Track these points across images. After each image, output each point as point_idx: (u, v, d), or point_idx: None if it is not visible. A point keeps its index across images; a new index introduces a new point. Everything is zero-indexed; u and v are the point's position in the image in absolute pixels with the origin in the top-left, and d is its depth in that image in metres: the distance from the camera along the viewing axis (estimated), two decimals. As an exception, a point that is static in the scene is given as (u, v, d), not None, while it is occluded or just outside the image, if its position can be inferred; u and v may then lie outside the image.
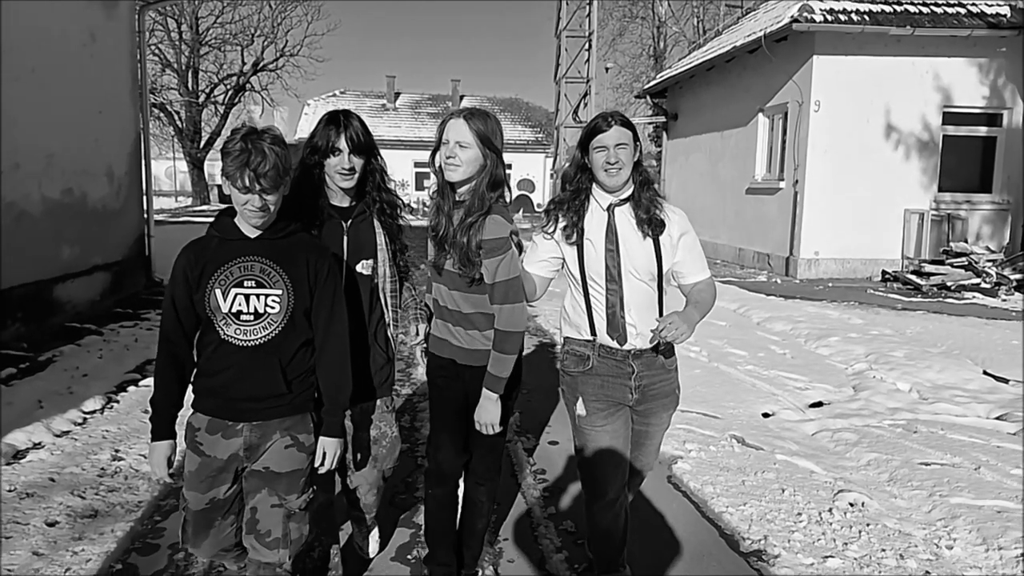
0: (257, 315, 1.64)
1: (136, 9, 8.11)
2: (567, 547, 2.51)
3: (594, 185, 1.95)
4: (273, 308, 1.65)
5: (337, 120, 1.93)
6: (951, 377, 4.70)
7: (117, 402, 4.14)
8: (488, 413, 1.92)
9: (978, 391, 4.46)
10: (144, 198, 8.14)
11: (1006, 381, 4.67)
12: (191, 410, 1.73)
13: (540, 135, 28.50)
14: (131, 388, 4.39)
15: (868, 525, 2.70)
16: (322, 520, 2.05)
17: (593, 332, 1.96)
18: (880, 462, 3.32)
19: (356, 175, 1.95)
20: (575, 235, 1.93)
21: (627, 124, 1.90)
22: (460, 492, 2.17)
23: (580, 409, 1.99)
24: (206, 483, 1.69)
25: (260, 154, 1.55)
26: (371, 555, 2.34)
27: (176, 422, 1.72)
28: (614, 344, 1.94)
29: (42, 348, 5.21)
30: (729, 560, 2.44)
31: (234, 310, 1.64)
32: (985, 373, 4.83)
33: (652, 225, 1.91)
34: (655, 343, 1.94)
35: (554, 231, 1.97)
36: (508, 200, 1.95)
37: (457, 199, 1.93)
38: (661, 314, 1.98)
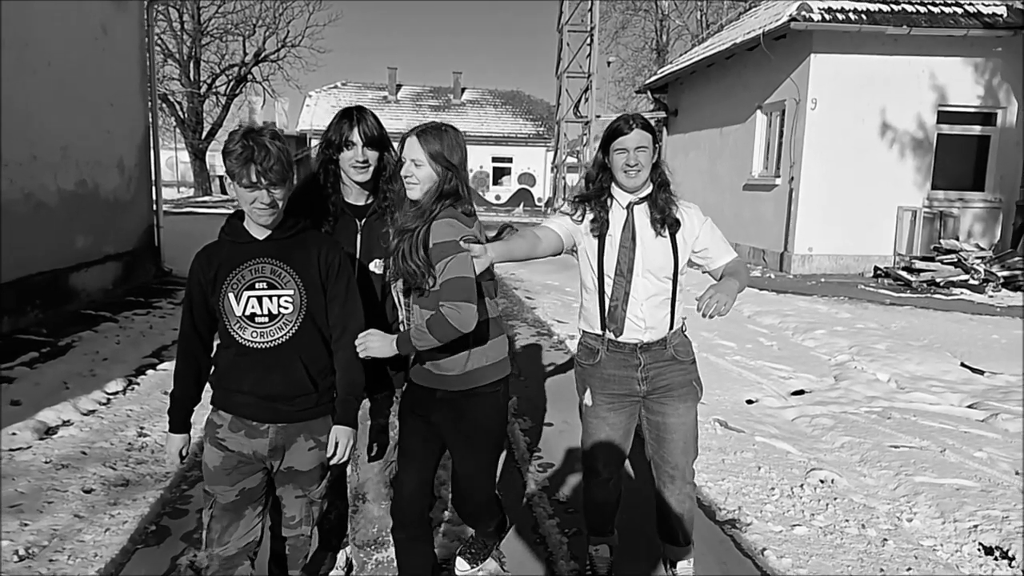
0: (272, 316, 1.66)
1: (145, 3, 8.28)
2: (559, 515, 2.76)
3: (613, 184, 2.02)
4: (287, 308, 1.66)
5: (351, 115, 1.97)
6: (929, 369, 4.93)
7: (138, 384, 4.38)
8: (374, 344, 1.75)
9: (954, 382, 4.69)
10: (153, 189, 8.36)
11: (981, 373, 4.90)
12: (210, 407, 1.76)
13: (541, 129, 28.56)
14: (150, 372, 4.62)
15: (836, 499, 2.94)
16: (336, 486, 2.17)
17: (603, 327, 2.04)
18: (853, 445, 3.56)
19: (370, 168, 1.97)
20: (599, 229, 2.00)
21: (647, 127, 1.96)
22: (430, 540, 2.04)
23: (587, 399, 2.11)
24: (233, 475, 1.70)
25: (263, 148, 1.55)
26: None
27: (192, 416, 1.80)
28: (612, 336, 2.02)
29: (61, 334, 5.44)
30: (705, 527, 2.67)
31: (248, 313, 1.65)
32: (963, 365, 5.06)
33: (668, 224, 1.99)
34: (672, 332, 2.02)
35: (581, 220, 2.03)
36: (471, 210, 1.86)
37: None
38: (674, 310, 2.04)
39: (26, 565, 2.34)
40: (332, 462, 1.74)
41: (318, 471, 1.77)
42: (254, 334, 1.66)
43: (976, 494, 3.00)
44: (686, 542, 2.20)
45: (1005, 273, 8.37)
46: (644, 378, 2.04)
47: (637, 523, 2.62)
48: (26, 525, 2.60)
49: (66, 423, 3.69)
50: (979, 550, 2.60)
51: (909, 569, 2.44)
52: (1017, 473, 3.23)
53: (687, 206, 2.06)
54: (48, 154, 5.95)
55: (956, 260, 8.64)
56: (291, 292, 1.67)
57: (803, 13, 9.02)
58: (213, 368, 1.75)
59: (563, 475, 3.15)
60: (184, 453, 1.80)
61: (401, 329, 1.99)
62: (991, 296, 8.06)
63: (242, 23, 26.48)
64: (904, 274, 8.82)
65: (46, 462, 3.18)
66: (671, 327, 2.05)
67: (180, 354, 1.76)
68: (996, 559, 2.54)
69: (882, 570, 2.42)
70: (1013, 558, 2.53)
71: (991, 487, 3.07)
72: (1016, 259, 8.57)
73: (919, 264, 8.85)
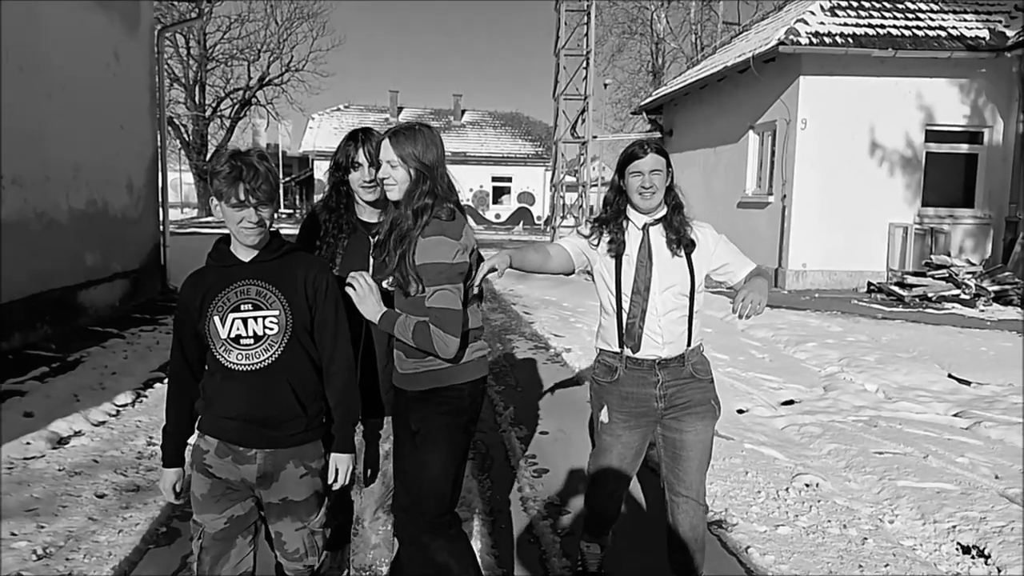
0: (257, 338, 1.65)
1: (155, 31, 8.60)
2: (552, 516, 2.87)
3: (629, 207, 2.10)
4: (272, 329, 1.65)
5: (356, 136, 2.05)
6: (917, 379, 5.05)
7: (146, 397, 4.51)
8: (367, 303, 1.83)
9: (940, 392, 4.81)
10: (160, 209, 8.57)
11: (968, 383, 5.02)
12: (197, 432, 1.75)
13: (540, 149, 29.03)
14: (157, 385, 4.75)
15: (819, 502, 3.05)
16: (339, 499, 2.12)
17: (621, 344, 2.08)
18: (839, 451, 3.67)
19: (379, 187, 2.00)
20: (615, 250, 2.08)
21: (661, 152, 2.06)
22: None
23: (604, 417, 2.13)
24: (222, 503, 1.68)
25: (251, 168, 1.58)
26: None
27: (185, 450, 1.78)
28: (630, 352, 2.06)
29: (70, 349, 5.58)
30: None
31: (232, 335, 1.64)
32: (950, 376, 5.18)
33: (683, 245, 2.07)
34: (690, 349, 2.09)
35: (599, 244, 2.11)
36: (452, 210, 1.85)
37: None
38: (691, 326, 2.09)
39: (44, 563, 2.45)
40: (334, 488, 1.76)
41: (315, 500, 1.74)
42: (239, 356, 1.65)
43: (956, 497, 3.10)
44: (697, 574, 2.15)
45: (996, 288, 8.51)
46: (663, 395, 2.07)
47: (627, 524, 2.73)
48: (42, 527, 2.71)
49: (77, 433, 3.81)
50: (957, 549, 2.70)
51: (887, 566, 2.54)
52: (997, 477, 3.34)
53: (701, 226, 2.14)
54: (61, 174, 6.15)
55: (947, 275, 8.79)
56: (276, 312, 1.66)
57: (791, 37, 9.32)
58: (201, 394, 1.74)
59: (557, 479, 3.26)
60: (179, 488, 1.76)
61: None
62: (982, 310, 8.19)
63: (247, 48, 27.14)
64: (896, 289, 8.96)
65: (59, 469, 3.30)
66: (689, 343, 2.09)
67: (171, 387, 1.74)
68: (973, 557, 2.65)
69: (861, 567, 2.52)
70: (989, 556, 2.64)
71: (971, 490, 3.17)
72: (1006, 274, 8.72)
73: (911, 279, 9.00)
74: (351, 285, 1.83)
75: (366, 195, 2.05)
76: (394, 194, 1.85)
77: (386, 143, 1.84)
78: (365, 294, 1.83)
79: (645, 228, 2.08)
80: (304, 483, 1.71)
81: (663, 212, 2.10)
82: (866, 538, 2.74)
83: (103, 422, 4.01)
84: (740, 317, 1.95)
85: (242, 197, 1.58)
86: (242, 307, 1.65)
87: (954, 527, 2.84)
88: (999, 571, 2.54)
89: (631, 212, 2.10)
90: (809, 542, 2.69)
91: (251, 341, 1.65)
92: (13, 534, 2.66)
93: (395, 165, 1.82)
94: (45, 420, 3.89)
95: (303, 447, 1.71)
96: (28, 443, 3.59)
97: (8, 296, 5.31)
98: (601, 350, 2.18)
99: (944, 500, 3.07)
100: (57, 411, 4.05)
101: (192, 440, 1.77)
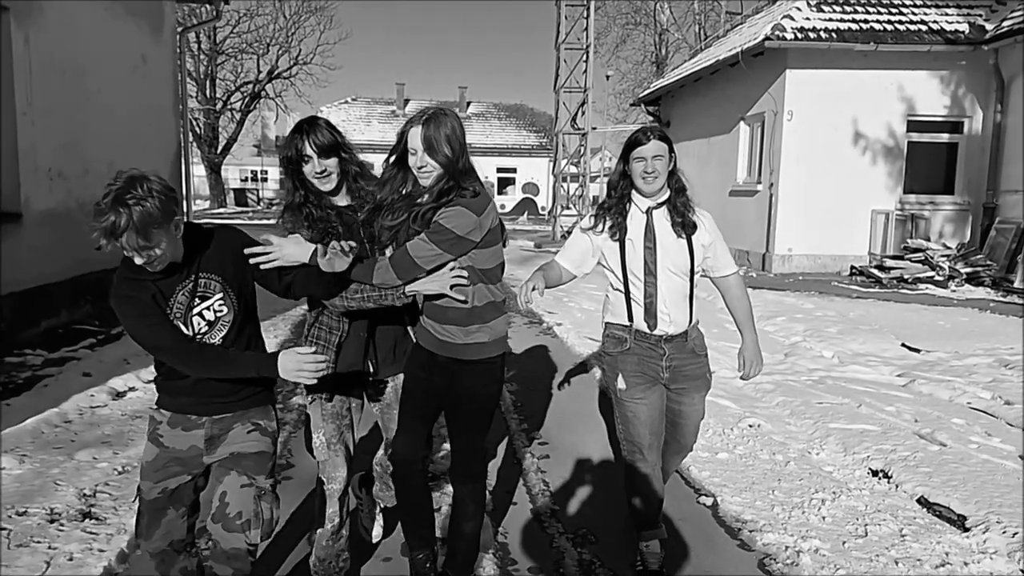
0: (211, 323, 1.73)
1: (176, 33, 9.19)
2: (535, 448, 3.46)
3: (633, 191, 2.20)
4: (222, 311, 1.74)
5: (301, 128, 1.97)
6: (871, 347, 5.60)
7: (186, 361, 5.15)
8: (289, 249, 1.78)
9: (890, 358, 5.36)
10: (183, 200, 9.22)
11: (918, 351, 5.56)
12: (153, 407, 1.84)
13: (544, 140, 29.45)
14: (193, 352, 5.40)
15: (758, 437, 3.63)
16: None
17: (630, 319, 2.23)
18: (786, 403, 4.24)
19: (332, 175, 1.98)
20: (618, 233, 2.19)
21: (664, 138, 2.15)
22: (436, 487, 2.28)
23: (621, 383, 2.23)
24: (160, 473, 1.76)
25: (117, 215, 1.49)
26: (375, 539, 2.38)
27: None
28: (646, 329, 2.21)
29: (111, 324, 6.24)
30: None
31: (198, 332, 1.71)
32: (903, 345, 5.72)
33: (686, 227, 2.18)
34: (691, 327, 2.26)
35: (602, 230, 2.23)
36: (479, 192, 1.90)
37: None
38: (692, 305, 2.25)
39: (125, 477, 3.09)
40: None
41: (265, 460, 1.76)
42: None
43: (876, 435, 3.67)
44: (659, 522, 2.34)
45: (968, 270, 9.00)
46: (667, 367, 2.23)
47: (595, 452, 3.32)
48: (117, 453, 3.35)
49: (132, 388, 4.45)
50: (867, 473, 3.28)
51: (802, 480, 3.13)
52: (916, 421, 3.90)
53: (702, 214, 2.26)
54: (98, 168, 6.78)
55: (924, 258, 9.28)
56: (220, 295, 1.73)
57: (777, 32, 9.78)
58: (156, 374, 1.80)
59: (537, 420, 3.87)
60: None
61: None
62: (954, 290, 8.69)
63: (256, 42, 27.66)
64: (876, 272, 9.47)
65: (122, 415, 3.94)
66: (690, 321, 2.27)
67: (213, 357, 1.69)
68: (879, 479, 3.22)
69: (779, 480, 3.11)
70: (891, 476, 3.22)
71: (890, 430, 3.74)
72: (979, 257, 9.20)
73: (889, 262, 9.50)
74: (260, 263, 1.78)
75: (322, 186, 2.00)
76: (430, 180, 1.88)
77: (418, 131, 1.86)
78: (279, 243, 1.78)
79: (649, 212, 2.19)
80: (253, 437, 1.77)
81: (666, 196, 2.21)
82: (789, 462, 3.32)
83: (153, 380, 4.65)
84: (745, 380, 2.33)
85: (125, 247, 1.54)
86: (192, 305, 1.71)
87: (868, 457, 3.41)
88: (896, 487, 3.11)
89: (635, 196, 2.21)
90: (741, 464, 3.28)
91: (207, 327, 1.73)
92: (95, 458, 3.30)
93: (431, 152, 1.85)
94: (103, 378, 4.53)
95: (251, 410, 1.80)
96: (92, 395, 4.24)
97: (56, 277, 5.97)
98: (609, 323, 2.32)
99: (865, 437, 3.64)
100: (112, 371, 4.70)
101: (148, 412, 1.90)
